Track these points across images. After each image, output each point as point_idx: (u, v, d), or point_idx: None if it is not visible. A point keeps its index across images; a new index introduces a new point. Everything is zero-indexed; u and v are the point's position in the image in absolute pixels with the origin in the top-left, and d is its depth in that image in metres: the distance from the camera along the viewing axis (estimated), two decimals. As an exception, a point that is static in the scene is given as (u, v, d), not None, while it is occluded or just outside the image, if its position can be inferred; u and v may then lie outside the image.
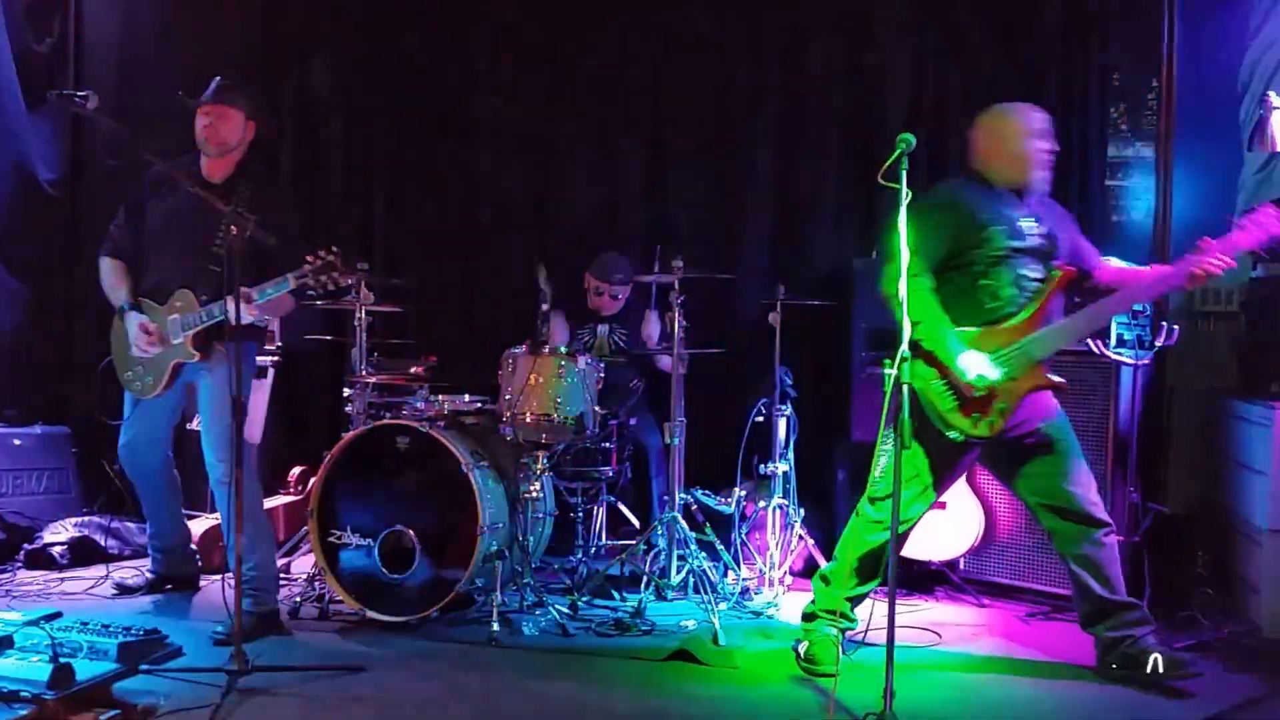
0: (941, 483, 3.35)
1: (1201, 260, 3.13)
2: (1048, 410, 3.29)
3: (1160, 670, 3.12)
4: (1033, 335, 3.20)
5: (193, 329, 3.64)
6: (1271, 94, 3.85)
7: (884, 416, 2.99)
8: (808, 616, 3.44)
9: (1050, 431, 3.29)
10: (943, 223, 3.25)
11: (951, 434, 3.22)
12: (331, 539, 3.79)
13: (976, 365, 3.15)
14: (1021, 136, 3.33)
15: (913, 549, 4.10)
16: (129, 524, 4.66)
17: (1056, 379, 3.23)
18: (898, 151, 2.83)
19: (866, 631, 3.42)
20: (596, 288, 4.82)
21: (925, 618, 3.90)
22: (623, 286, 4.82)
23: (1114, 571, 3.27)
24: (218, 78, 3.80)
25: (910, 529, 3.42)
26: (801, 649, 3.33)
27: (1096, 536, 3.25)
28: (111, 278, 3.83)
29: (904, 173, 2.82)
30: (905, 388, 2.83)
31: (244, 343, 3.45)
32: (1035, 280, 3.27)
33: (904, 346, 2.80)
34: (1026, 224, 3.29)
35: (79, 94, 3.28)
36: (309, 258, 3.45)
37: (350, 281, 3.46)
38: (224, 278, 3.56)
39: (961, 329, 3.21)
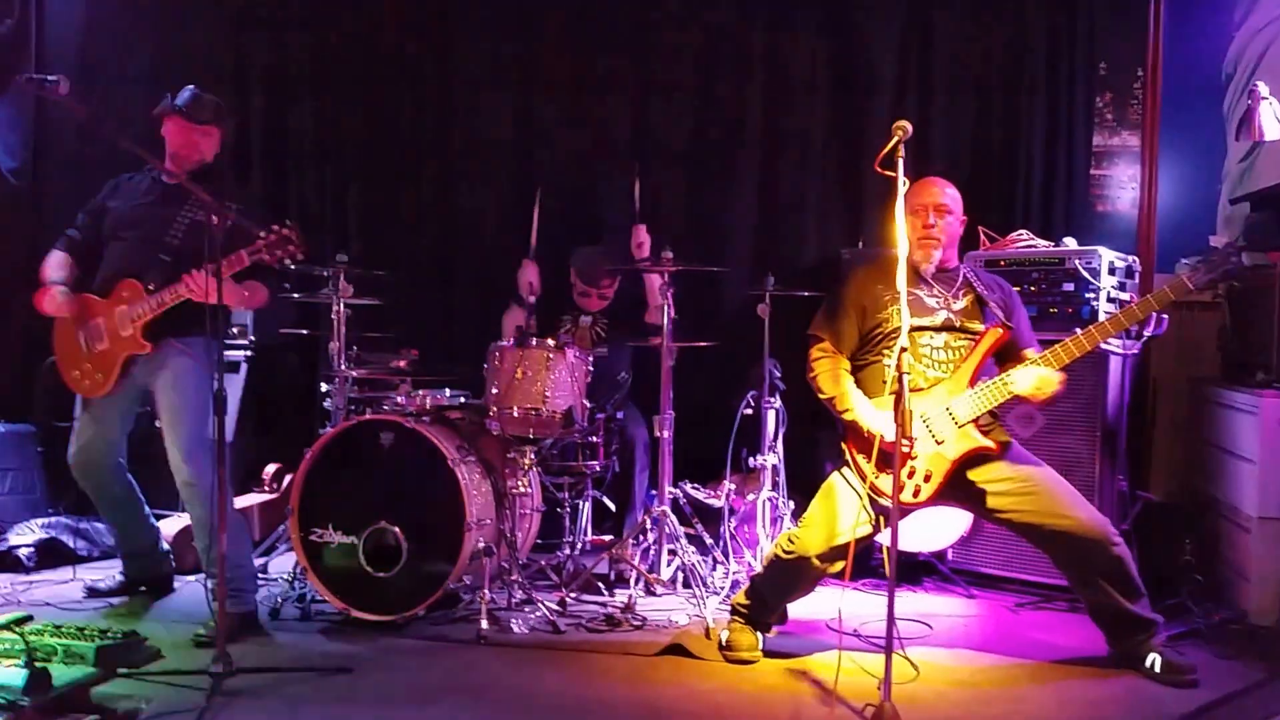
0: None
1: None
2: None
3: (1158, 671, 3.11)
4: (957, 397, 3.13)
5: (141, 318, 3.53)
6: (1259, 83, 3.87)
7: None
8: (734, 610, 3.44)
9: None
10: (849, 304, 3.27)
11: (883, 500, 3.14)
12: (313, 537, 3.69)
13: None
14: (906, 213, 3.09)
15: (901, 540, 4.06)
16: (97, 524, 4.54)
17: (986, 442, 3.13)
18: (895, 140, 2.80)
19: (860, 625, 3.41)
20: (584, 290, 4.71)
21: (915, 609, 3.88)
22: (610, 285, 4.72)
23: (1119, 583, 3.14)
24: (193, 88, 3.70)
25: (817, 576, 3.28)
26: (723, 637, 3.36)
27: (1095, 553, 3.12)
28: (53, 262, 3.71)
29: (900, 161, 2.79)
30: (904, 378, 2.81)
31: (198, 336, 3.43)
32: (941, 350, 3.22)
33: (903, 335, 2.76)
34: (933, 300, 3.25)
35: (49, 78, 3.10)
36: (262, 233, 3.36)
37: (302, 256, 3.41)
38: (175, 267, 3.49)
39: (879, 399, 3.17)
